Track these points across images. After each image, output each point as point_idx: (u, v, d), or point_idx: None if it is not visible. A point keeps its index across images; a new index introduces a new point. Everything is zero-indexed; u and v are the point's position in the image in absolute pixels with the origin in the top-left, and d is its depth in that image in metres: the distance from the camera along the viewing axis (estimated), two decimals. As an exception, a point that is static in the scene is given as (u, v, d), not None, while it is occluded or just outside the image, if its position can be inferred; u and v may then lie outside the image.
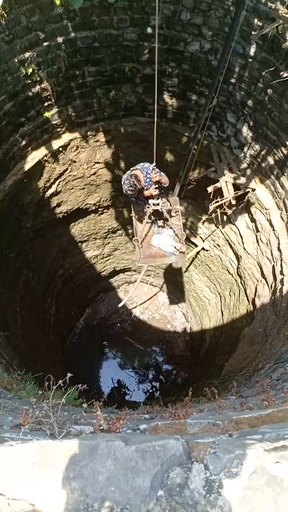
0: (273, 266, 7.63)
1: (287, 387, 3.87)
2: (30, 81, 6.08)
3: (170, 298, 15.67)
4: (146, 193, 5.81)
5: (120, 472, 1.55)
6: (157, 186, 5.80)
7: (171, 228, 6.57)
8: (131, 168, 5.77)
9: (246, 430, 2.16)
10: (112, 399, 10.70)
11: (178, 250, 6.59)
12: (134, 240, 6.57)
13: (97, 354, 15.67)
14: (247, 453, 1.57)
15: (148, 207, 6.04)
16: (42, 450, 1.65)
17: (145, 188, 5.72)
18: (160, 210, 6.07)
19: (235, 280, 9.87)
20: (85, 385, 2.90)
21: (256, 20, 4.74)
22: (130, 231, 11.61)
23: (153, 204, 5.96)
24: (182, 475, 1.54)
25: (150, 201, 5.96)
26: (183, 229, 6.84)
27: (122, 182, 5.73)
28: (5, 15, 5.09)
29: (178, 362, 15.47)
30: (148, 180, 5.68)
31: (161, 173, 5.82)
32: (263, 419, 2.41)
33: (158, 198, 5.95)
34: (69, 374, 2.64)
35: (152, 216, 6.33)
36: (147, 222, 6.35)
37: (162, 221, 6.61)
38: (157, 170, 5.76)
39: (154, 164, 5.71)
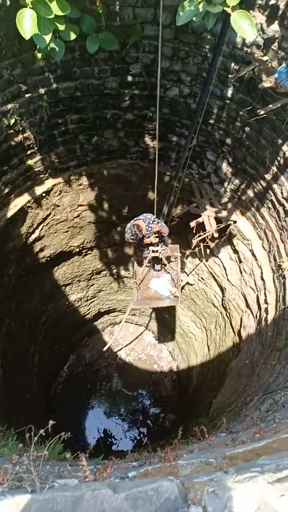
0: (257, 296, 7.76)
1: (278, 417, 3.83)
2: (12, 131, 6.18)
3: (156, 337, 15.54)
4: (147, 240, 6.30)
5: (109, 525, 1.34)
6: (157, 235, 6.25)
7: (168, 273, 6.93)
8: (135, 218, 6.22)
9: (242, 465, 2.00)
10: (99, 450, 10.30)
11: (173, 294, 6.94)
12: (133, 282, 6.95)
13: (82, 404, 15.14)
14: (249, 488, 1.42)
15: (148, 253, 6.46)
16: (17, 507, 1.44)
17: (146, 236, 6.20)
18: (159, 257, 6.50)
19: (220, 312, 9.95)
20: (69, 433, 2.75)
21: (232, 64, 5.08)
22: (114, 270, 11.65)
23: (153, 251, 6.40)
24: (179, 522, 1.34)
25: (150, 247, 6.38)
26: (180, 275, 7.20)
27: (125, 231, 6.21)
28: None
29: (165, 404, 15.14)
30: (149, 229, 6.16)
31: (162, 224, 6.35)
32: (258, 452, 2.28)
33: (157, 246, 6.38)
34: (51, 422, 2.51)
35: (151, 261, 6.76)
36: (146, 266, 6.77)
37: (160, 265, 6.97)
38: (158, 220, 6.28)
39: (155, 216, 6.20)
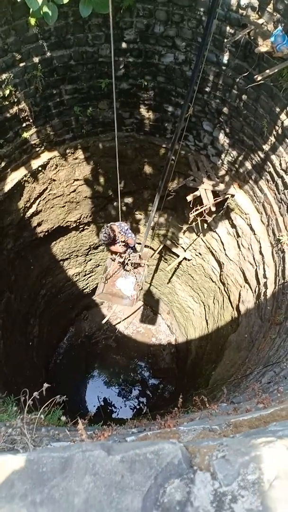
0: (256, 270, 7.74)
1: (282, 387, 3.84)
2: (7, 103, 6.08)
3: (153, 311, 15.66)
4: (113, 248, 6.57)
5: (102, 490, 1.21)
6: (124, 244, 6.57)
7: (135, 276, 7.33)
8: (111, 223, 6.50)
9: (251, 431, 1.88)
10: (99, 418, 10.54)
11: (132, 296, 7.31)
12: (101, 277, 7.37)
13: (82, 374, 15.40)
14: (266, 453, 1.25)
15: (115, 258, 6.94)
16: (-1, 468, 1.29)
17: (117, 241, 6.47)
18: (125, 263, 7.03)
19: (218, 287, 9.97)
20: (65, 396, 2.68)
21: (228, 28, 4.93)
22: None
23: (120, 256, 6.86)
24: (182, 489, 1.20)
25: (118, 253, 6.80)
26: (143, 281, 7.52)
27: (100, 231, 6.50)
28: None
29: (164, 376, 15.38)
30: (119, 236, 6.42)
31: (132, 235, 6.62)
32: (265, 419, 2.16)
33: (124, 253, 6.80)
34: (45, 385, 2.44)
35: (120, 263, 7.20)
36: (118, 263, 7.20)
37: (129, 267, 7.36)
38: (128, 232, 6.56)
39: (121, 223, 6.50)
